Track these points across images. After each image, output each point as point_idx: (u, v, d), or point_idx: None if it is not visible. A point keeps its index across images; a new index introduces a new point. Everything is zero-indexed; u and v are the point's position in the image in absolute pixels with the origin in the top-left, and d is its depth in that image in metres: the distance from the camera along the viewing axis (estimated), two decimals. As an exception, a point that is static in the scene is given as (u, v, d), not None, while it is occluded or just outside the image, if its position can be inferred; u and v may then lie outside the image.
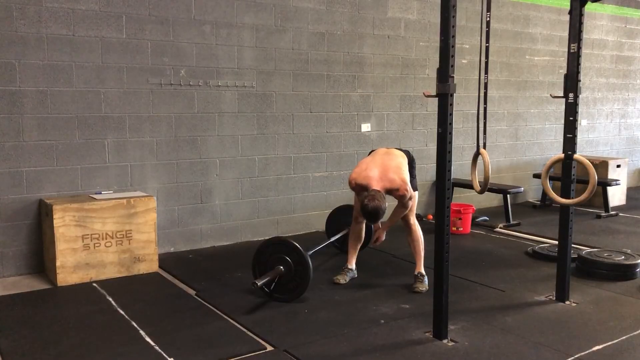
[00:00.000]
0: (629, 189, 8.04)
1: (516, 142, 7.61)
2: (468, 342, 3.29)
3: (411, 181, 4.23)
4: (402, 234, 4.50)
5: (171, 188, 5.17)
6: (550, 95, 4.07)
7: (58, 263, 4.27)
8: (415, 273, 4.32)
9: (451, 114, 3.17)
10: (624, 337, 3.38)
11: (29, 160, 4.52)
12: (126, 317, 3.69)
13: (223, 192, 5.45)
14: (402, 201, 4.13)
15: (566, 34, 4.07)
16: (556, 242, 4.19)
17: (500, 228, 6.20)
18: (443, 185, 3.23)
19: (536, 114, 7.75)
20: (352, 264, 4.49)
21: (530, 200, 7.82)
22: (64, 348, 3.22)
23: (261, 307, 3.87)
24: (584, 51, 5.73)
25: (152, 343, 3.29)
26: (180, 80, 5.08)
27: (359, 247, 4.54)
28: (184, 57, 5.07)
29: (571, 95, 3.72)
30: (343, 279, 4.36)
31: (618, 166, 7.58)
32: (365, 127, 6.22)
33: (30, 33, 4.42)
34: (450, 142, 3.18)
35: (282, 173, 5.76)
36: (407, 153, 4.38)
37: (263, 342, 3.32)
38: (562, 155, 3.79)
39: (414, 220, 4.33)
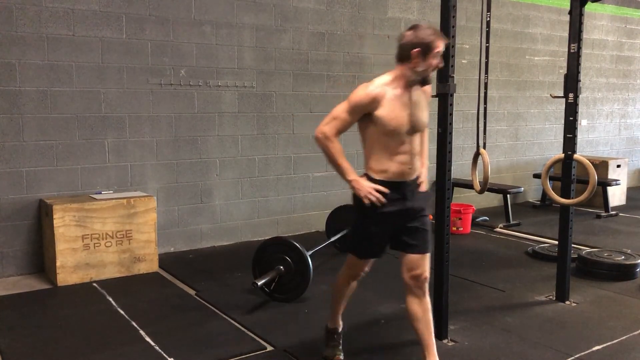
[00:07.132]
0: (629, 189, 8.03)
1: (516, 142, 7.61)
2: (468, 342, 3.29)
3: None
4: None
5: (171, 188, 5.17)
6: (550, 95, 4.07)
7: (58, 263, 4.27)
8: None
9: (451, 114, 3.18)
10: (624, 337, 3.38)
11: (29, 160, 4.52)
12: (126, 317, 3.69)
13: (223, 192, 5.44)
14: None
15: (566, 34, 4.08)
16: (556, 242, 4.19)
17: (500, 228, 6.19)
18: (443, 185, 3.23)
19: (536, 114, 7.75)
20: (341, 323, 3.17)
21: (530, 200, 7.82)
22: (64, 348, 3.22)
23: (261, 307, 3.86)
24: (584, 51, 5.73)
25: (152, 343, 3.28)
26: (180, 80, 5.08)
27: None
28: (184, 57, 5.07)
29: (571, 95, 3.72)
30: (340, 354, 3.10)
31: (618, 166, 7.58)
32: (365, 127, 6.21)
33: (30, 33, 4.42)
34: (450, 142, 3.19)
35: (282, 173, 5.76)
36: None
37: (263, 342, 3.31)
38: (562, 155, 3.79)
39: None
